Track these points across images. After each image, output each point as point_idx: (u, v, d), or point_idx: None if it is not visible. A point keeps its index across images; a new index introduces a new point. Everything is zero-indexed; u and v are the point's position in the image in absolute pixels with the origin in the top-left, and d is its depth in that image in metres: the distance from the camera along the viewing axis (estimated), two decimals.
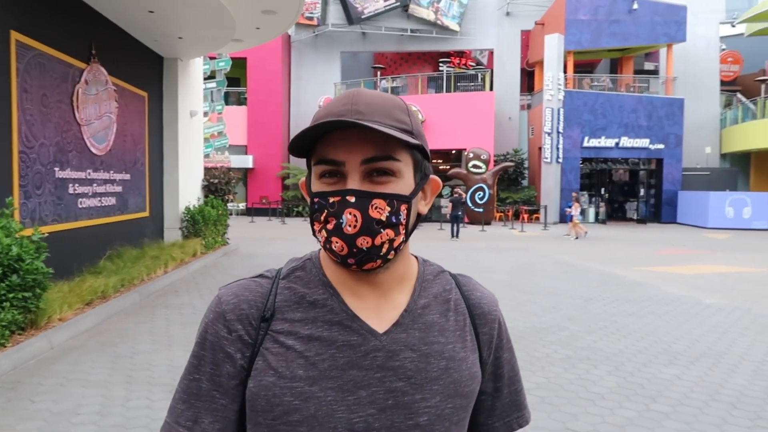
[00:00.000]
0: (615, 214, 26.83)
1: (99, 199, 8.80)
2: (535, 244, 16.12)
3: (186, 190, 12.37)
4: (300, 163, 27.73)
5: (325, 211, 0.82)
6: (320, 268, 0.91)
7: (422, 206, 0.90)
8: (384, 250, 0.82)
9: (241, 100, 28.55)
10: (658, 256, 13.77)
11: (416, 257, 0.97)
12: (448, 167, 24.73)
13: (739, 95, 27.88)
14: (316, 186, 0.85)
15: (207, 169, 14.61)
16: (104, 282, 7.42)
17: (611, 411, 4.19)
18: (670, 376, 4.96)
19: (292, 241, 16.09)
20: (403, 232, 0.84)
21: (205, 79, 15.65)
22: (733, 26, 28.47)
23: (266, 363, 0.84)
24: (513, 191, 25.91)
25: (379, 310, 0.88)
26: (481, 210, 22.65)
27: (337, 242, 0.81)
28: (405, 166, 0.84)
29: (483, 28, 28.01)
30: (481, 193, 22.72)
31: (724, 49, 28.91)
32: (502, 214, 24.41)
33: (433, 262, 0.99)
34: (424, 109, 23.94)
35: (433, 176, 0.92)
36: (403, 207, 0.83)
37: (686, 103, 24.83)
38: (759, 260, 13.09)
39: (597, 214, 24.92)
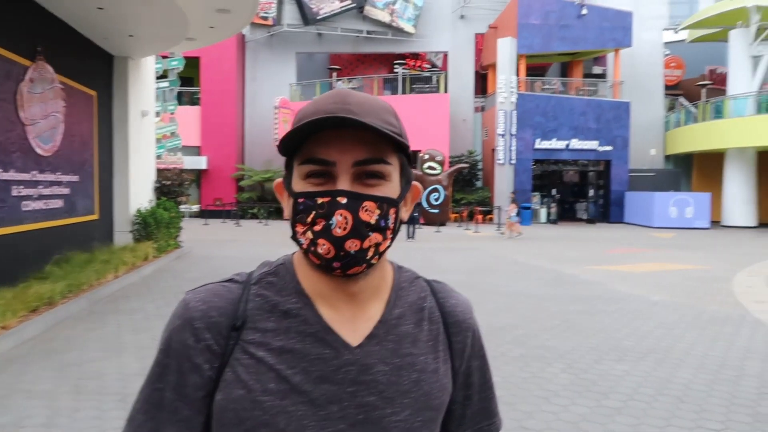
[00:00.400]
0: (566, 214, 27.52)
1: (45, 201, 8.46)
2: (489, 245, 16.38)
3: (137, 192, 12.04)
4: (255, 164, 27.40)
5: (313, 212, 0.79)
6: (294, 275, 0.87)
7: (404, 212, 0.88)
8: (370, 254, 0.80)
9: (194, 100, 27.98)
10: (607, 255, 14.20)
11: (391, 263, 0.94)
12: None
13: (681, 99, 29.03)
14: (300, 186, 0.82)
15: (159, 171, 14.26)
16: (51, 288, 7.14)
17: (565, 408, 4.30)
18: (620, 372, 5.12)
19: (247, 243, 15.86)
20: (390, 236, 0.83)
21: (157, 78, 15.27)
22: (676, 32, 29.59)
23: (236, 375, 0.81)
24: (467, 192, 26.26)
25: (353, 321, 0.86)
26: (436, 211, 22.87)
27: (324, 244, 0.78)
28: (394, 170, 0.83)
29: (438, 30, 28.29)
30: (437, 194, 22.94)
31: (668, 55, 30.05)
32: (457, 215, 24.71)
33: (408, 267, 0.97)
34: None
35: (414, 183, 0.90)
36: (392, 211, 0.82)
37: (632, 106, 25.67)
38: (701, 258, 13.66)
39: (549, 214, 25.50)
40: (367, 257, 0.80)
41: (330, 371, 0.82)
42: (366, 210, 0.79)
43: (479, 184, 27.39)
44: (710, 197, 23.13)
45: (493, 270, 11.42)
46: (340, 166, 0.79)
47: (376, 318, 0.87)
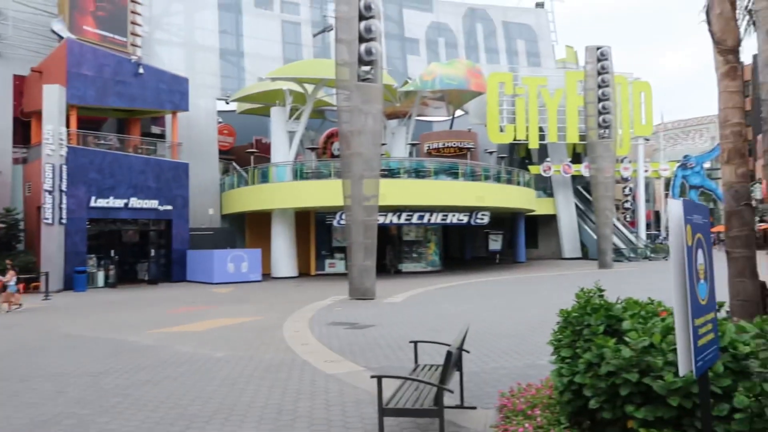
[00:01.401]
0: (126, 276, 26.16)
1: None
2: (34, 318, 14.07)
3: None
4: None
5: None
6: None
7: None
8: None
9: None
10: (170, 315, 13.96)
11: None
12: None
13: (234, 164, 31.67)
14: None
15: None
16: None
17: None
18: None
19: None
20: None
21: None
22: (227, 103, 32.53)
23: None
24: (5, 257, 22.23)
25: None
26: None
27: None
28: None
29: None
30: None
31: (221, 122, 32.57)
32: None
33: None
34: None
35: None
36: None
37: (191, 167, 26.60)
38: (256, 310, 14.80)
39: (107, 277, 23.74)
40: None
41: None
42: None
43: (21, 247, 23.63)
44: (260, 252, 25.60)
45: (39, 348, 9.77)
46: None
47: None
